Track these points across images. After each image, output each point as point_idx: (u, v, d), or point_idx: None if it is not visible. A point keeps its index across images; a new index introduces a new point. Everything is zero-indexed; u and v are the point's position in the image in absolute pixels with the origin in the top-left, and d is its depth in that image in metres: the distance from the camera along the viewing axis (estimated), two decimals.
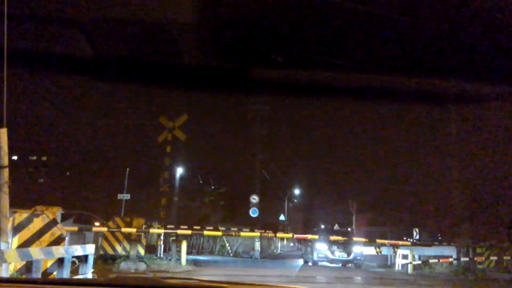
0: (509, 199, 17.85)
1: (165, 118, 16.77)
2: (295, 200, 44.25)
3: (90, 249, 6.07)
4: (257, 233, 16.67)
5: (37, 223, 6.69)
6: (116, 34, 7.18)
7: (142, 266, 10.53)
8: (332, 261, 16.77)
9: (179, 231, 12.87)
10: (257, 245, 20.34)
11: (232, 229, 18.68)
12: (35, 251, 4.89)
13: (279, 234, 18.15)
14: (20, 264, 6.07)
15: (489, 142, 18.35)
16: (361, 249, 16.95)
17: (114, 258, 11.26)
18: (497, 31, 6.96)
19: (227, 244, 21.31)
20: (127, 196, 19.07)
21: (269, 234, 16.34)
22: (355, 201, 29.70)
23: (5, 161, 4.69)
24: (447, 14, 6.75)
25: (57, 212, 7.09)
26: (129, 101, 28.37)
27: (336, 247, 16.44)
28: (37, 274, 4.96)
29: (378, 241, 14.98)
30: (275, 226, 31.01)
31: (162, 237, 14.32)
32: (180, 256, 12.59)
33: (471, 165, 19.82)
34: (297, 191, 41.94)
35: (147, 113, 29.96)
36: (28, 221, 6.68)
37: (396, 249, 16.16)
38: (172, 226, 14.13)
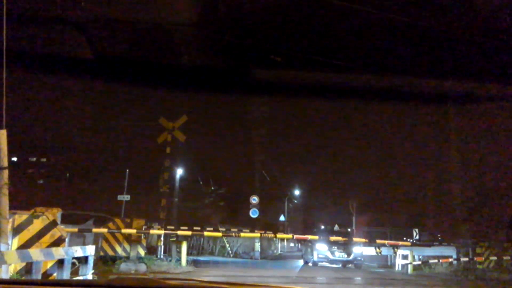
0: (509, 199, 17.84)
1: (164, 119, 16.76)
2: (295, 201, 44.25)
3: (90, 250, 6.06)
4: (257, 234, 16.67)
5: (37, 225, 6.68)
6: (116, 34, 7.18)
7: (142, 267, 10.52)
8: (332, 261, 16.77)
9: (179, 232, 12.85)
10: (257, 245, 20.34)
11: (232, 229, 18.68)
12: (35, 253, 4.88)
13: (279, 235, 18.14)
14: (20, 265, 6.06)
15: (489, 142, 18.35)
16: (361, 250, 16.96)
17: (114, 259, 11.24)
18: (497, 31, 6.96)
19: (227, 245, 21.30)
20: (127, 197, 19.04)
21: (269, 235, 16.30)
22: (355, 202, 29.67)
23: (5, 163, 4.69)
24: (447, 14, 6.75)
25: (57, 213, 7.07)
26: (128, 102, 28.37)
27: (336, 247, 16.44)
28: (37, 276, 4.95)
29: (378, 241, 14.99)
30: (275, 226, 31.02)
31: (162, 238, 14.30)
32: (180, 257, 12.58)
33: (471, 165, 19.81)
34: (297, 192, 41.98)
35: (146, 114, 29.94)
36: (28, 222, 6.67)
37: (396, 249, 16.17)
38: (172, 227, 14.11)
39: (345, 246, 16.42)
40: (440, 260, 15.05)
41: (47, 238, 6.67)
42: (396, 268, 15.84)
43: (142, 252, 11.91)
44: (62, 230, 6.93)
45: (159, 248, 14.18)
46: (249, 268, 14.06)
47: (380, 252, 18.19)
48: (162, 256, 13.63)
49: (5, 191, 4.63)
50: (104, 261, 11.12)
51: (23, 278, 5.56)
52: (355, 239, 16.01)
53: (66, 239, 7.50)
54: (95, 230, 11.04)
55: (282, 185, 37.48)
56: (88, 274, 6.03)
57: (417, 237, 23.22)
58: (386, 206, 30.01)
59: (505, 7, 6.49)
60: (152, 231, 12.49)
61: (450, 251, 15.87)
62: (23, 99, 22.04)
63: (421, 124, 23.08)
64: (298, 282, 10.22)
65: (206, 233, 14.29)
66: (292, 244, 43.06)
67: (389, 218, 28.89)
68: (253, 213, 21.43)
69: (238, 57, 8.35)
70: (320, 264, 16.80)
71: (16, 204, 6.39)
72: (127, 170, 20.94)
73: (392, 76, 8.49)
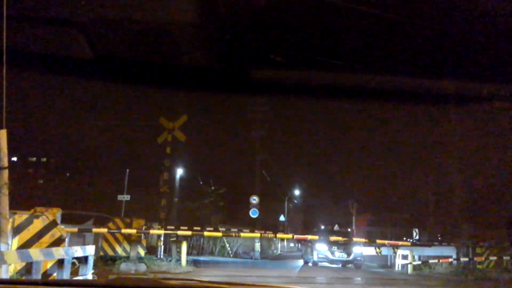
0: (509, 199, 17.84)
1: (164, 118, 16.75)
2: (295, 201, 44.27)
3: (90, 250, 6.06)
4: (257, 234, 16.67)
5: (37, 224, 6.68)
6: (116, 34, 7.18)
7: (142, 267, 10.52)
8: (332, 261, 16.77)
9: (179, 232, 12.85)
10: (257, 245, 20.33)
11: (232, 230, 18.68)
12: (35, 252, 4.88)
13: (279, 235, 18.15)
14: (20, 265, 6.06)
15: (489, 142, 18.35)
16: (361, 250, 16.95)
17: (114, 259, 11.24)
18: (497, 31, 6.96)
19: (227, 245, 21.30)
20: (127, 197, 19.03)
21: (269, 235, 16.31)
22: (355, 202, 29.69)
23: (5, 163, 4.69)
24: (447, 14, 6.75)
25: (57, 213, 7.08)
26: (128, 102, 28.39)
27: (336, 247, 16.43)
28: (37, 276, 4.95)
29: (378, 241, 14.99)
30: (275, 226, 31.04)
31: (162, 238, 14.31)
32: (180, 257, 12.58)
33: (471, 165, 19.81)
34: (297, 192, 41.99)
35: (146, 114, 29.99)
36: (28, 222, 6.67)
37: (396, 249, 16.17)
38: (172, 227, 14.11)
39: (345, 246, 16.41)
40: (440, 260, 15.05)
41: (47, 238, 6.67)
42: (396, 268, 15.84)
43: (142, 252, 11.91)
44: (62, 230, 6.94)
45: (159, 248, 14.18)
46: (249, 268, 14.05)
47: (380, 252, 18.20)
48: (162, 256, 13.63)
49: (5, 191, 4.63)
50: (104, 261, 11.13)
51: (23, 278, 5.56)
52: (355, 239, 16.01)
53: (66, 239, 7.50)
54: (95, 230, 11.04)
55: (282, 185, 37.54)
56: (88, 274, 6.03)
57: (417, 237, 23.22)
58: (386, 206, 30.03)
59: (505, 7, 6.50)
60: (152, 231, 12.50)
61: (450, 251, 15.86)
62: (23, 99, 22.05)
63: (421, 124, 23.08)
64: (298, 282, 10.22)
65: (206, 233, 14.29)
66: (292, 244, 43.06)
67: (389, 218, 28.93)
68: (253, 213, 21.43)
69: (238, 57, 8.35)
70: (320, 264, 16.80)
71: (16, 204, 6.40)
72: (127, 170, 20.95)
73: (392, 76, 8.49)
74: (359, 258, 16.76)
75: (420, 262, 15.76)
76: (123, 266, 10.40)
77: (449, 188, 21.72)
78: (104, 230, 11.32)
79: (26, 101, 22.88)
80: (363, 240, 15.35)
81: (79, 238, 10.89)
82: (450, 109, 18.91)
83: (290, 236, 18.12)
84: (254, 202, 21.57)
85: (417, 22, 6.84)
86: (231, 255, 21.08)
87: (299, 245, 35.12)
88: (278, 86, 9.20)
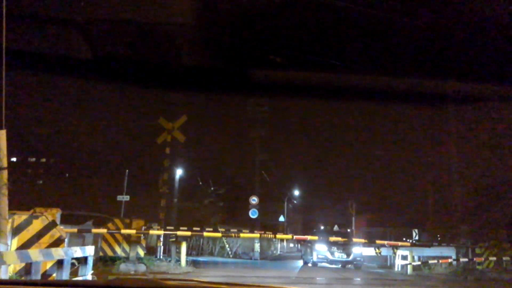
0: (508, 199, 17.84)
1: (164, 119, 16.74)
2: (295, 201, 44.25)
3: (89, 250, 6.05)
4: (256, 234, 16.66)
5: (37, 225, 6.67)
6: (115, 35, 7.17)
7: (141, 268, 10.51)
8: (331, 262, 16.77)
9: (178, 233, 12.85)
10: (257, 246, 20.33)
11: (232, 230, 18.69)
12: (34, 253, 4.87)
13: (279, 235, 18.12)
14: (19, 266, 6.05)
15: (489, 142, 18.35)
16: (361, 250, 16.96)
17: (114, 260, 11.23)
18: (497, 31, 6.96)
19: (227, 245, 21.29)
20: (126, 198, 19.00)
21: (269, 235, 16.31)
22: (354, 202, 29.68)
23: (4, 163, 4.68)
24: (446, 14, 6.75)
25: (57, 213, 7.07)
26: (128, 102, 28.36)
27: (335, 248, 16.45)
28: (36, 276, 4.94)
29: (378, 242, 15.00)
30: (274, 227, 31.01)
31: (161, 239, 14.30)
32: (179, 258, 12.57)
33: (471, 166, 19.81)
34: (296, 192, 41.99)
35: (146, 114, 29.94)
36: (28, 222, 6.66)
37: (395, 250, 16.17)
38: (172, 228, 14.10)
39: (345, 247, 16.42)
40: (440, 261, 15.05)
41: (47, 239, 6.66)
42: (396, 269, 15.84)
43: (141, 252, 11.91)
44: (61, 230, 6.92)
45: (159, 249, 14.17)
46: (248, 269, 14.05)
47: (380, 253, 18.19)
48: (161, 257, 13.62)
49: (5, 191, 4.62)
50: (103, 261, 11.12)
51: (22, 278, 5.55)
52: (354, 240, 16.02)
53: (66, 240, 7.49)
54: (94, 230, 11.03)
55: (282, 185, 37.51)
56: (87, 274, 6.02)
57: (417, 238, 23.22)
58: (386, 206, 30.05)
59: (505, 7, 6.50)
60: (151, 232, 12.49)
61: (449, 252, 15.88)
62: (23, 99, 22.04)
63: (421, 125, 23.08)
64: (298, 283, 10.21)
65: (205, 234, 14.29)
66: (291, 245, 43.06)
67: (389, 218, 28.91)
68: (253, 214, 21.43)
69: (238, 57, 8.35)
70: (319, 264, 16.80)
71: (15, 205, 6.38)
72: (127, 170, 20.91)
73: (392, 76, 8.49)
74: (358, 259, 16.77)
75: (419, 263, 15.76)
76: (123, 267, 10.40)
77: (449, 188, 21.73)
78: (103, 230, 11.31)
79: (25, 101, 22.86)
80: (362, 240, 15.36)
81: (79, 239, 10.88)
82: (450, 109, 18.92)
83: (289, 236, 18.11)
84: (253, 202, 21.57)
85: (417, 23, 6.84)
86: (231, 256, 21.08)
87: (299, 245, 35.12)
88: (277, 86, 9.19)
